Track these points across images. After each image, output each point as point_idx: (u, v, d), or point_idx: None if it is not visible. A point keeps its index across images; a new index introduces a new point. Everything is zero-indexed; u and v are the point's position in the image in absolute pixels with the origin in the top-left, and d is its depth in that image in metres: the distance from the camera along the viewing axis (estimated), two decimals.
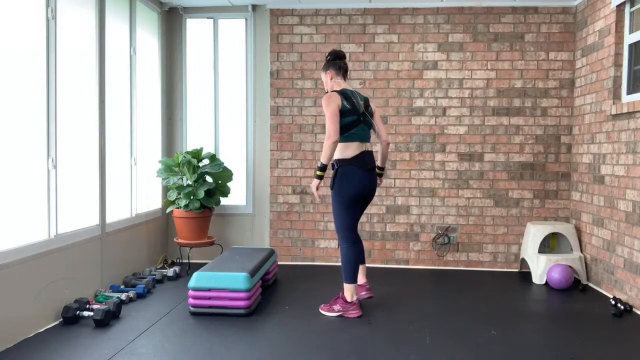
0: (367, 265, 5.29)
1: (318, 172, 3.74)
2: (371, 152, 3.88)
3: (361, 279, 4.13)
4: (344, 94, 3.78)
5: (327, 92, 3.89)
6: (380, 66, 5.51)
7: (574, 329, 3.63)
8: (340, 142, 3.76)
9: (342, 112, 3.72)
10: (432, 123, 5.48)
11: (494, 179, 5.46)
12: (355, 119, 3.77)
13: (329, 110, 3.69)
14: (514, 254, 5.44)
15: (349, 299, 3.84)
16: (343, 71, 3.93)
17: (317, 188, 3.80)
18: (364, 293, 4.12)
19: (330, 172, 4.00)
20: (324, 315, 3.85)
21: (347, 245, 3.83)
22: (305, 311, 3.97)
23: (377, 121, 4.02)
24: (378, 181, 4.02)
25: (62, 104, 3.78)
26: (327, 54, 3.98)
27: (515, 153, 5.43)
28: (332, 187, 3.81)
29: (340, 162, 3.78)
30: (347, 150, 3.77)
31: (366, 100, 3.94)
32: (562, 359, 3.12)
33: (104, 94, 4.35)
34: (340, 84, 3.91)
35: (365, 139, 3.84)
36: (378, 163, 4.09)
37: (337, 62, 3.92)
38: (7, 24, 3.25)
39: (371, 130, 3.99)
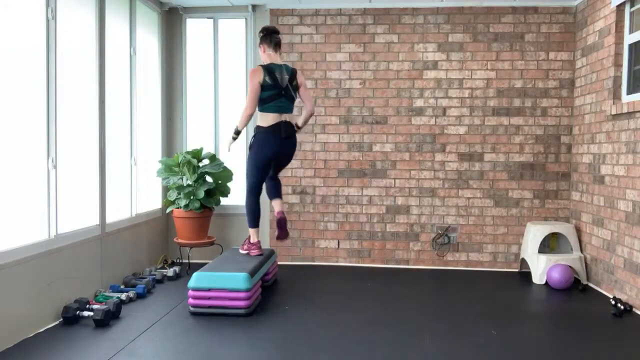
0: (367, 264, 5.36)
1: (234, 135, 4.33)
2: (289, 122, 4.26)
3: (278, 207, 4.55)
4: (269, 68, 4.16)
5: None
6: (380, 66, 5.51)
7: (574, 329, 3.63)
8: (260, 111, 4.22)
9: (263, 87, 4.13)
10: (432, 123, 5.48)
11: (494, 179, 5.46)
12: (275, 92, 4.16)
13: (250, 85, 4.16)
14: (514, 254, 5.44)
15: (252, 241, 4.49)
16: (274, 44, 4.27)
17: (229, 149, 4.41)
18: (256, 251, 4.55)
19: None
20: (240, 252, 4.55)
21: (251, 197, 4.38)
22: (305, 311, 3.97)
23: (302, 93, 4.35)
24: (296, 130, 4.38)
25: (62, 104, 3.78)
26: (259, 31, 4.33)
27: (515, 153, 5.43)
28: (250, 148, 4.32)
29: (258, 128, 4.25)
30: (265, 119, 4.22)
31: (292, 74, 4.25)
32: (562, 359, 3.12)
33: (104, 94, 4.35)
34: (271, 56, 4.27)
35: (283, 110, 4.23)
36: (298, 122, 4.43)
37: (268, 36, 4.27)
38: (7, 24, 3.25)
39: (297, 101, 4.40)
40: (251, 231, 4.50)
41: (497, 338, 3.43)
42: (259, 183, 4.38)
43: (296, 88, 4.29)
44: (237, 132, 4.33)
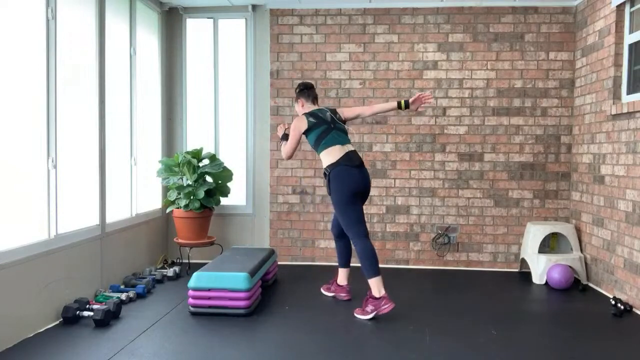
0: None
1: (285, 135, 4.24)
2: (355, 151, 4.06)
3: (343, 280, 4.34)
4: (310, 113, 4.11)
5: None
6: (380, 66, 5.51)
7: (574, 329, 3.63)
8: (321, 152, 4.02)
9: (310, 128, 4.04)
10: (432, 123, 5.48)
11: (494, 179, 5.46)
12: (325, 128, 4.03)
13: (292, 131, 4.11)
14: (514, 254, 5.44)
15: (377, 295, 3.75)
16: (312, 98, 4.25)
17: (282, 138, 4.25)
18: (343, 294, 4.28)
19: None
20: (360, 319, 3.74)
21: (361, 240, 3.88)
22: (305, 311, 3.97)
23: (349, 114, 4.24)
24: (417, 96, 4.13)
25: (62, 104, 3.78)
26: (296, 87, 4.32)
27: (515, 153, 5.43)
28: (329, 192, 3.99)
29: (330, 167, 3.96)
30: (330, 155, 3.98)
31: (333, 111, 4.16)
32: (562, 359, 3.12)
33: (104, 94, 4.35)
34: (311, 108, 4.20)
35: (342, 142, 4.03)
36: (388, 105, 4.22)
37: (306, 91, 4.25)
38: (7, 24, 3.24)
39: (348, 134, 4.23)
40: (373, 282, 3.77)
41: (497, 338, 3.43)
42: (360, 219, 3.94)
43: (341, 120, 4.15)
44: (285, 137, 4.21)
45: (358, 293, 4.19)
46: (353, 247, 4.07)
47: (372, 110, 4.24)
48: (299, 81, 5.54)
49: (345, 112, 4.24)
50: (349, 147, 4.03)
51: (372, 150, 5.54)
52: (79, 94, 4.06)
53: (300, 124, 4.07)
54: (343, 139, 4.06)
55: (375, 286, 3.77)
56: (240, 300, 3.79)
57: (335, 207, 3.99)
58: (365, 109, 4.28)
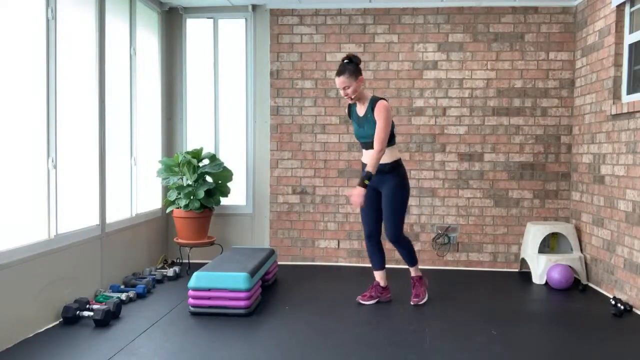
0: (367, 264, 5.26)
1: (366, 182, 3.72)
2: None
3: (384, 281, 4.26)
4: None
5: (378, 98, 3.86)
6: (380, 66, 5.51)
7: (574, 329, 3.63)
8: (391, 147, 3.90)
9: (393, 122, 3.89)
10: (432, 123, 5.48)
11: (494, 179, 5.46)
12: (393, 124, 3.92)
13: (389, 119, 3.79)
14: (514, 254, 5.44)
15: (420, 274, 4.24)
16: None
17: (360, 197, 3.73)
18: (388, 295, 4.27)
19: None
20: (420, 304, 4.13)
21: (406, 239, 4.11)
22: (305, 311, 3.97)
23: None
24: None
25: (62, 103, 3.78)
26: (347, 59, 3.86)
27: (515, 153, 5.43)
28: (401, 185, 3.95)
29: (399, 162, 3.96)
30: (396, 152, 3.97)
31: None
32: (562, 359, 3.12)
33: (104, 94, 4.35)
34: (366, 91, 3.98)
35: None
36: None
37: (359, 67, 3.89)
38: (7, 24, 3.24)
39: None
40: (418, 267, 4.22)
41: (497, 338, 3.43)
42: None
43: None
44: (370, 177, 3.73)
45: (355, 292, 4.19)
46: (391, 245, 4.14)
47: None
48: (299, 81, 5.56)
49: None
50: None
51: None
52: (79, 94, 4.06)
53: (391, 112, 3.84)
54: None
55: (417, 269, 4.22)
56: (240, 300, 3.79)
57: (397, 204, 3.96)
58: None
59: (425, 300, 4.17)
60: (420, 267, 5.45)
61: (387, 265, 4.26)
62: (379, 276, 4.21)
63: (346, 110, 4.17)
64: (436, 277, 5.10)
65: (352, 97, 3.88)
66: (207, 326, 3.61)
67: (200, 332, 3.49)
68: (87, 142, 4.17)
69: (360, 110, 3.96)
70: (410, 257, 4.15)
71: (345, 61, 3.86)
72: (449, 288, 4.71)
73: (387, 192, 3.96)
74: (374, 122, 3.81)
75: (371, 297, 4.18)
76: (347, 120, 5.54)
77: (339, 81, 3.83)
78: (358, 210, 5.54)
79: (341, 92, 3.90)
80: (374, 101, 3.86)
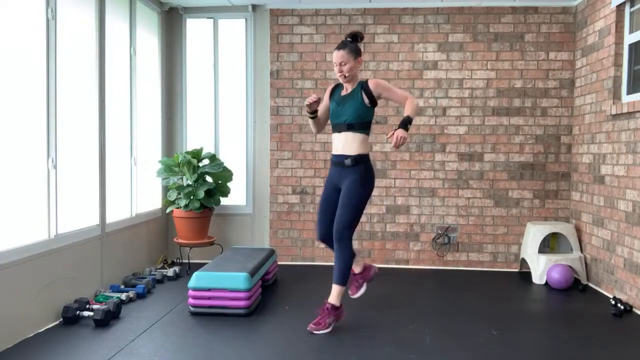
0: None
1: (408, 126, 3.44)
2: None
3: (360, 267, 3.87)
4: None
5: (369, 79, 3.67)
6: (380, 66, 5.51)
7: (574, 329, 3.63)
8: (365, 135, 3.59)
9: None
10: (432, 123, 5.48)
11: (494, 179, 5.46)
12: None
13: (390, 84, 3.65)
14: (514, 254, 5.44)
15: (338, 304, 3.55)
16: None
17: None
18: (372, 271, 3.91)
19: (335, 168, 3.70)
20: (317, 334, 3.46)
21: (351, 247, 3.56)
22: (305, 311, 3.96)
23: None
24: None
25: (62, 103, 3.78)
26: (351, 37, 3.67)
27: (515, 153, 5.43)
28: (362, 182, 3.52)
29: (367, 158, 3.58)
30: (364, 145, 3.59)
31: None
32: (562, 359, 3.12)
33: (104, 94, 4.35)
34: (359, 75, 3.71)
35: None
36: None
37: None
38: (7, 24, 3.24)
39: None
40: (340, 290, 3.54)
41: (497, 338, 3.43)
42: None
43: None
44: (410, 122, 3.48)
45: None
46: (333, 248, 3.60)
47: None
48: (299, 81, 5.56)
49: None
50: None
51: (372, 150, 5.53)
52: (79, 94, 4.06)
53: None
54: None
55: (340, 295, 3.55)
56: (240, 300, 3.79)
57: (357, 200, 3.51)
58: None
59: (325, 332, 3.46)
60: (420, 267, 5.49)
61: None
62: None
63: (329, 90, 3.81)
64: (436, 277, 5.10)
65: (346, 75, 3.59)
66: (207, 326, 3.61)
67: (200, 332, 3.49)
68: (87, 142, 4.17)
69: (346, 90, 3.68)
70: (342, 271, 3.52)
71: (349, 39, 3.67)
72: (449, 288, 4.71)
73: (346, 186, 3.54)
74: (360, 102, 3.55)
75: (358, 287, 3.85)
76: None
77: (338, 55, 3.59)
78: None
79: (335, 69, 3.62)
80: (365, 81, 3.62)
